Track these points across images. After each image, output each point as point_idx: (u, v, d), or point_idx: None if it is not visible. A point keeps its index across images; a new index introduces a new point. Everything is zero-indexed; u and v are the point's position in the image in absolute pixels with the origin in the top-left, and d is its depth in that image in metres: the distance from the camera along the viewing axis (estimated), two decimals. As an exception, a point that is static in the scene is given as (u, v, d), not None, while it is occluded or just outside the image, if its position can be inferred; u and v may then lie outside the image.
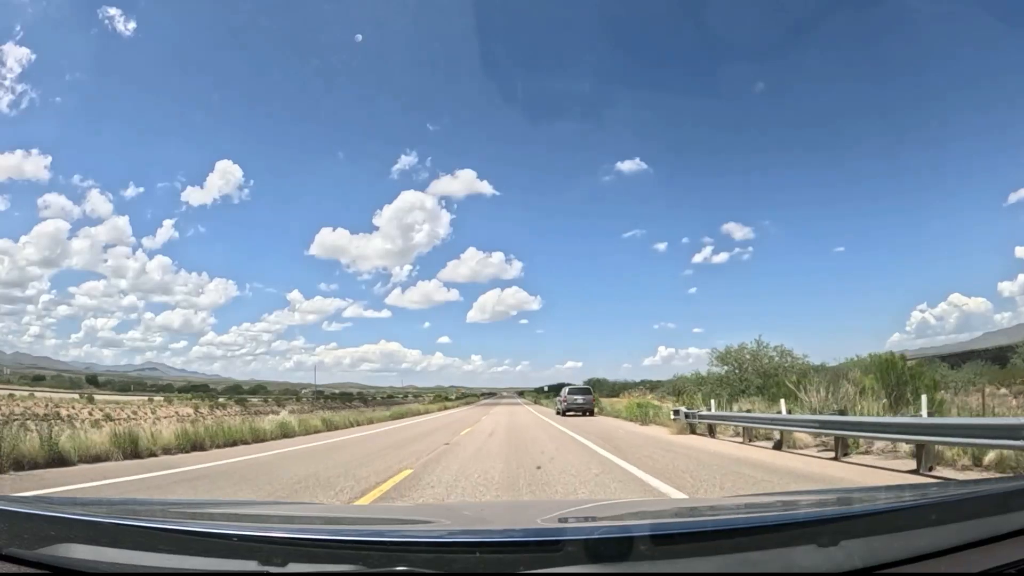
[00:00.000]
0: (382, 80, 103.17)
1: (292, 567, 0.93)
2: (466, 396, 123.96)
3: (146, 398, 44.41)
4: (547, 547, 0.96)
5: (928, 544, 1.00)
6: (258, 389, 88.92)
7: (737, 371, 23.31)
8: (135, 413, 30.54)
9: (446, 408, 54.49)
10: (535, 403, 68.76)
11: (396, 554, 0.94)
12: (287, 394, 74.11)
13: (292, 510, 2.37)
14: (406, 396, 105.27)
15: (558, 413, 29.04)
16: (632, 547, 0.92)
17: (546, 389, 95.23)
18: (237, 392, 77.18)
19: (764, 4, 77.14)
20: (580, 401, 27.68)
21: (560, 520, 1.56)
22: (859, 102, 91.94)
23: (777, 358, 23.02)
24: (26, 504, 1.29)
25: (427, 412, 40.06)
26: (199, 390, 71.98)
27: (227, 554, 0.97)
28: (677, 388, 37.85)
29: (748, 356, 23.40)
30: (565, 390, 29.76)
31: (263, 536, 1.04)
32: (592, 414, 26.86)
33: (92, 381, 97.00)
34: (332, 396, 74.99)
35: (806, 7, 76.82)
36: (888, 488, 2.43)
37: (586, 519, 1.66)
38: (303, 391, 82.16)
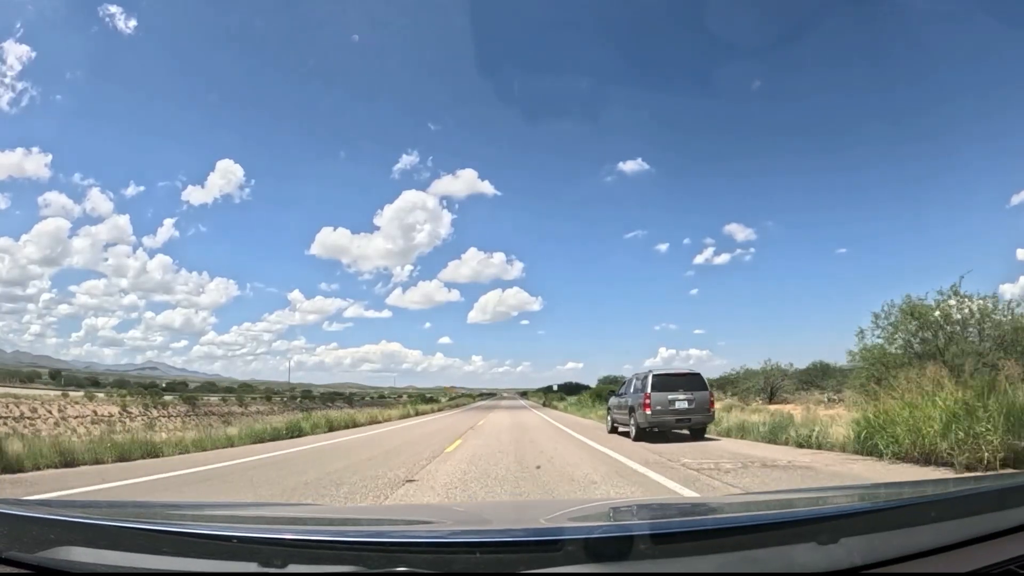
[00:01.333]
0: (383, 80, 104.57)
1: (292, 568, 0.98)
2: (459, 397, 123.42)
3: (59, 392, 37.50)
4: (547, 547, 1.02)
5: (927, 541, 1.07)
6: (241, 388, 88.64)
7: (937, 339, 15.47)
8: (34, 411, 24.67)
9: (418, 413, 37.14)
10: (545, 406, 60.76)
11: (396, 555, 0.99)
12: (266, 393, 74.06)
13: (293, 511, 2.43)
14: (400, 396, 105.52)
15: (615, 432, 15.45)
16: (632, 546, 0.98)
17: (555, 388, 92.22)
18: (211, 390, 77.29)
19: (768, 4, 77.84)
20: (686, 405, 12.99)
21: (560, 520, 1.63)
22: (862, 104, 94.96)
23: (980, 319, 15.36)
24: (26, 507, 1.36)
25: (370, 424, 24.33)
26: (179, 388, 71.53)
27: (227, 556, 1.02)
28: (771, 383, 25.93)
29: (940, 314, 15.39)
30: (643, 382, 13.46)
31: (263, 538, 1.10)
32: (704, 434, 13.49)
33: (55, 376, 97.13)
34: (315, 397, 75.21)
35: (809, 8, 77.71)
36: (887, 485, 2.54)
37: (586, 518, 1.72)
38: (276, 391, 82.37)
